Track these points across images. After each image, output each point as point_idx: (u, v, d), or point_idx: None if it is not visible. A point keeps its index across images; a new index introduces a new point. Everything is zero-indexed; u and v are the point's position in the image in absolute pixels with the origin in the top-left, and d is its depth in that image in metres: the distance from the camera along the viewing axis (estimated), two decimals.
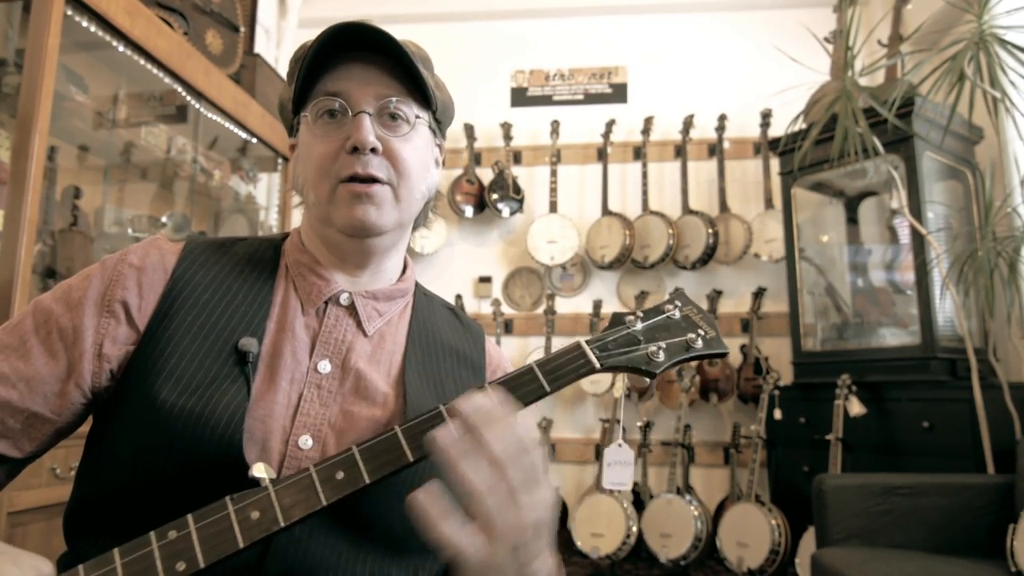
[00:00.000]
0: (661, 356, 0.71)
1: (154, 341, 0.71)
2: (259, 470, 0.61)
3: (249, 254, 0.81)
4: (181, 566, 0.55)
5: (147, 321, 0.72)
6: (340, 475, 0.60)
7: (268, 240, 0.85)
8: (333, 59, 0.75)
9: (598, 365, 0.69)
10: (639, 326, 0.73)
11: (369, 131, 0.74)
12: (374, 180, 0.75)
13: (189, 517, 0.57)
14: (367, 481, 0.60)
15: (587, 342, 0.70)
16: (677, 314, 0.76)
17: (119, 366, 0.71)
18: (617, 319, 0.74)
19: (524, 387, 0.67)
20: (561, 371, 0.67)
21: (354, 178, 0.74)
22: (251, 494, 0.59)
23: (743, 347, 3.35)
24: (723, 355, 0.76)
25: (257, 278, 0.79)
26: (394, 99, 0.76)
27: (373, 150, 0.74)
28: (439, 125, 0.84)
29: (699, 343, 0.73)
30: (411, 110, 0.77)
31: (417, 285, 0.90)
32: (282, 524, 0.58)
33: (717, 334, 0.76)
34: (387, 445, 0.62)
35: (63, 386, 0.69)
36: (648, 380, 0.72)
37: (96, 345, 0.71)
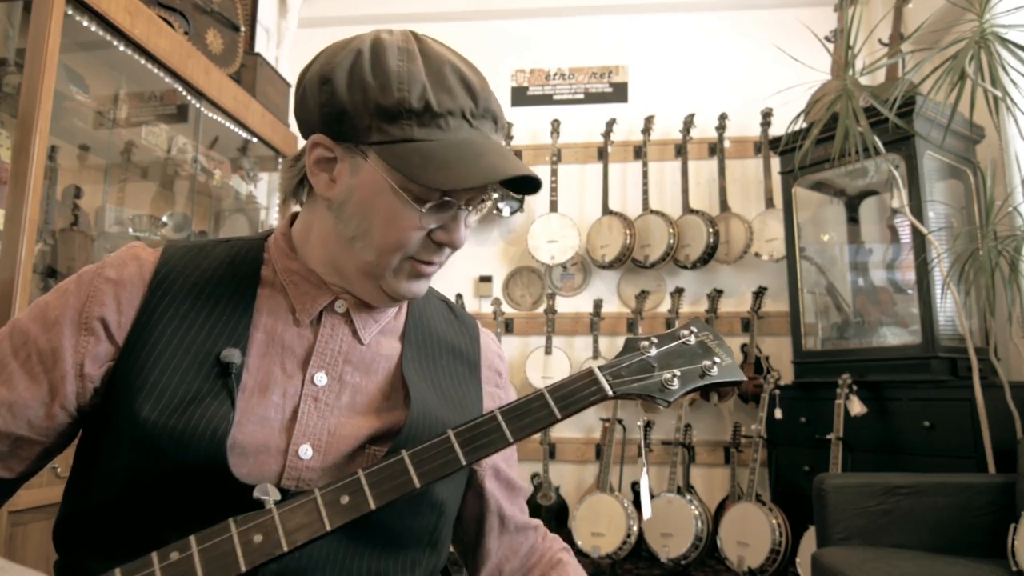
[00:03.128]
0: (675, 384, 0.70)
1: (134, 356, 0.69)
2: (263, 491, 0.60)
3: (230, 258, 0.77)
4: None
5: (126, 335, 0.70)
6: (345, 499, 0.60)
7: (248, 241, 0.81)
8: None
9: (610, 392, 0.68)
10: (653, 352, 0.72)
11: (465, 235, 0.73)
12: None
13: (192, 539, 0.56)
14: (372, 507, 0.60)
15: (600, 368, 0.69)
16: (692, 340, 0.74)
17: (102, 383, 0.69)
18: (631, 344, 0.73)
19: (534, 414, 0.66)
20: (572, 398, 0.67)
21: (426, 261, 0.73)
22: (254, 516, 0.58)
23: (744, 347, 3.34)
24: (739, 383, 0.75)
25: (239, 284, 0.75)
26: (484, 197, 0.74)
27: None
28: None
29: (714, 370, 0.72)
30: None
31: None
32: (285, 548, 0.57)
33: (733, 361, 0.74)
34: (394, 471, 0.61)
35: (48, 409, 0.68)
36: (661, 408, 0.72)
37: (77, 365, 0.68)
